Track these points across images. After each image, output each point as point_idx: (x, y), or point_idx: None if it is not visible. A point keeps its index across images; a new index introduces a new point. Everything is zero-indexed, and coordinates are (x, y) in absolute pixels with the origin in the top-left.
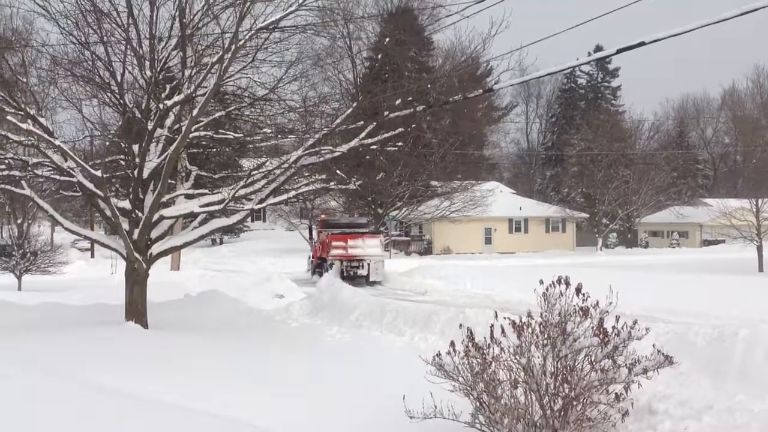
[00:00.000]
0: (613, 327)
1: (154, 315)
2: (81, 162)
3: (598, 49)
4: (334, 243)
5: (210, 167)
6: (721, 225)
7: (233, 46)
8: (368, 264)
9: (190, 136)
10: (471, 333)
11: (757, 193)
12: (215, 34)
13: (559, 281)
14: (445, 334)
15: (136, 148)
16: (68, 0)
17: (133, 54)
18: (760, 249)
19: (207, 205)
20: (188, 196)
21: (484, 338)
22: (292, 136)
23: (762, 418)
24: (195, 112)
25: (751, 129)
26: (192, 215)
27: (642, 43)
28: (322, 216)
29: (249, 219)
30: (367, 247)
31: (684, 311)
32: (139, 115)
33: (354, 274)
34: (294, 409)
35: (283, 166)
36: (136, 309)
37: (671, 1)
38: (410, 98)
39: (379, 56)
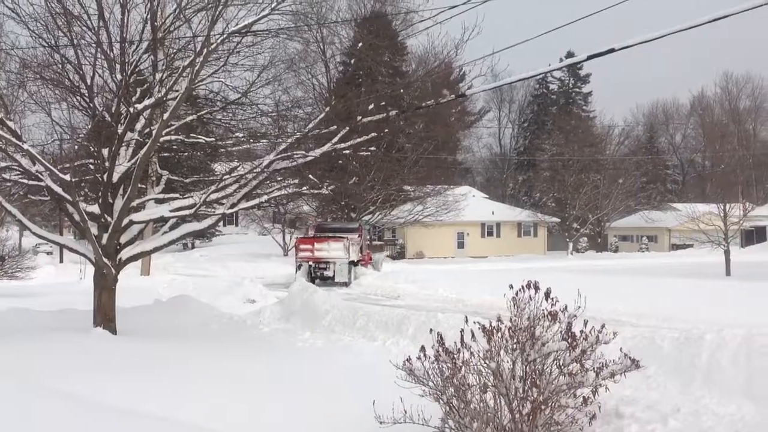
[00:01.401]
0: (581, 331)
1: (123, 321)
2: (49, 166)
3: (570, 55)
4: (302, 246)
5: (181, 171)
6: (689, 229)
7: (205, 50)
8: (334, 266)
9: (161, 140)
10: (441, 338)
11: (724, 198)
12: (187, 38)
13: (528, 286)
14: (416, 338)
15: (105, 152)
16: (38, 3)
17: (103, 57)
18: (727, 253)
19: (178, 209)
20: (159, 201)
21: (455, 343)
22: (264, 140)
23: (727, 422)
24: (166, 115)
25: (719, 135)
26: (162, 220)
27: (612, 50)
28: (318, 220)
29: (221, 223)
30: (332, 249)
31: (652, 315)
32: (109, 119)
33: (321, 275)
34: (263, 415)
35: (255, 171)
36: (104, 315)
37: (642, 8)
38: (383, 103)
39: (353, 61)
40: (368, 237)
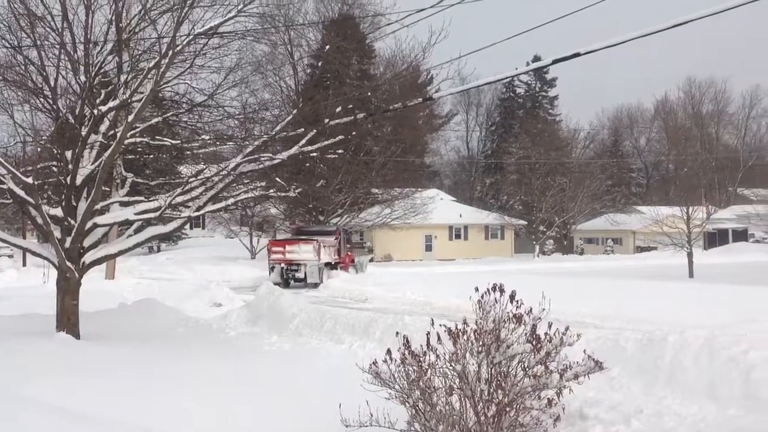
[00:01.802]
0: (546, 333)
1: (87, 325)
2: (11, 168)
3: (537, 59)
4: (274, 248)
5: (147, 174)
6: (653, 232)
7: (170, 52)
8: (305, 267)
9: (126, 142)
10: (407, 340)
11: (687, 201)
12: (152, 39)
13: (493, 289)
14: (383, 341)
15: (69, 154)
16: (0, 3)
17: (67, 59)
18: (690, 255)
19: (143, 212)
20: (123, 204)
21: (421, 345)
22: (231, 142)
23: (689, 422)
24: (131, 117)
25: (682, 139)
26: (127, 223)
27: (577, 54)
28: (298, 223)
29: (187, 226)
30: (303, 252)
31: (617, 317)
32: (73, 121)
33: (293, 276)
34: (230, 419)
35: (221, 173)
36: (67, 319)
37: (608, 12)
38: (351, 106)
39: (320, 63)
40: (348, 240)
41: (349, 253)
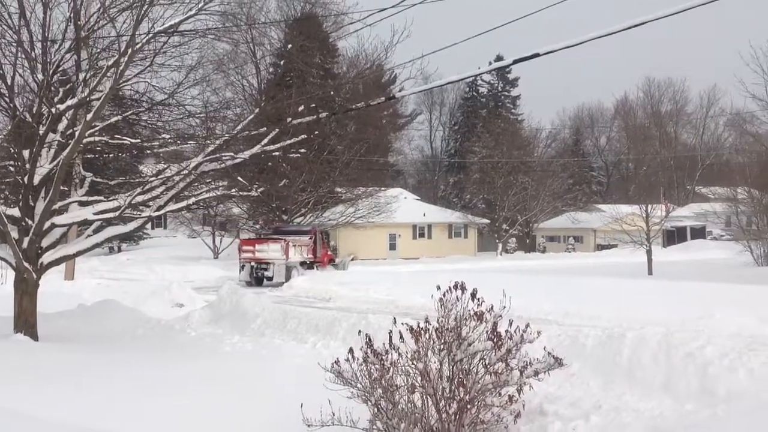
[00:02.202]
0: (507, 331)
1: (45, 326)
2: None
3: (499, 58)
4: (244, 247)
5: (107, 173)
6: (613, 230)
7: (130, 50)
8: (273, 266)
9: (85, 141)
10: (369, 339)
11: (647, 200)
12: (111, 37)
13: (455, 287)
14: (347, 340)
15: (26, 153)
16: None
17: (24, 57)
18: (649, 253)
19: (102, 212)
20: (82, 203)
21: (383, 344)
22: (192, 141)
23: (646, 417)
24: (89, 116)
25: (641, 138)
26: (86, 223)
27: (537, 55)
28: (277, 223)
29: (148, 226)
30: (271, 251)
31: (578, 314)
32: (30, 120)
33: (262, 275)
34: (190, 420)
35: (183, 173)
36: (25, 320)
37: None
38: (314, 105)
39: (282, 62)
40: (325, 240)
41: (328, 253)
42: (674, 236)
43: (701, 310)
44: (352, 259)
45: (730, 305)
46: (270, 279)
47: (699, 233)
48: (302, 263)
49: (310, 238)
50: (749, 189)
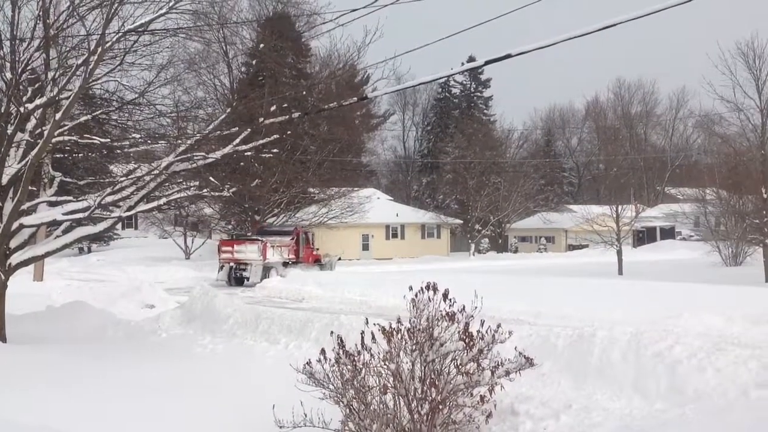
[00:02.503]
0: (478, 331)
1: (13, 328)
2: None
3: (471, 59)
4: (223, 248)
5: (76, 173)
6: (584, 230)
7: (99, 49)
8: (250, 267)
9: (54, 140)
10: (341, 340)
11: (617, 200)
12: (81, 36)
13: (427, 287)
14: (319, 341)
15: None
16: None
17: None
18: (620, 253)
19: (71, 212)
20: (51, 204)
21: (356, 345)
22: (163, 141)
23: (616, 416)
24: (59, 115)
25: (612, 139)
26: (56, 223)
27: (509, 55)
28: (263, 223)
29: (119, 227)
30: (248, 252)
31: (549, 314)
32: None
33: (240, 276)
34: (161, 424)
35: (153, 173)
36: None
37: (539, 14)
38: (286, 104)
39: (255, 62)
40: (310, 240)
41: (314, 253)
42: (644, 236)
43: (670, 309)
44: (339, 259)
45: (698, 305)
46: (249, 279)
47: (668, 234)
48: (285, 263)
49: (292, 239)
50: (717, 190)
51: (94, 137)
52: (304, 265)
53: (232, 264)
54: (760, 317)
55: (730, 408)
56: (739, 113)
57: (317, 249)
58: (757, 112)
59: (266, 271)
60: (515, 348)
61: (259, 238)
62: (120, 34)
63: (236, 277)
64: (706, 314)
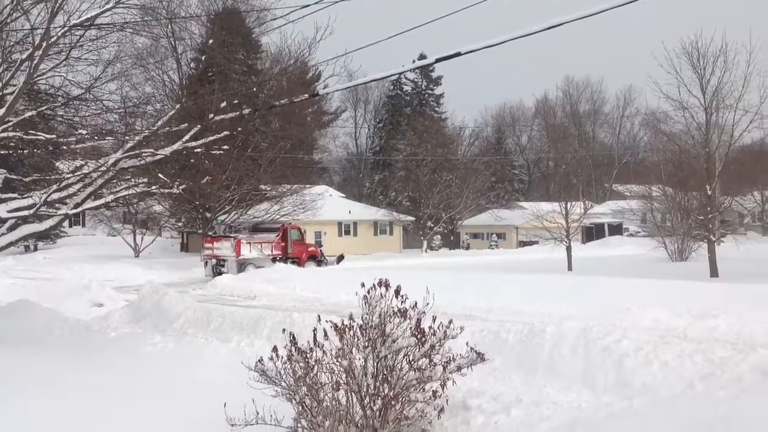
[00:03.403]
0: (430, 327)
1: None
2: None
3: (422, 57)
4: (206, 245)
5: (22, 170)
6: (534, 227)
7: (44, 43)
8: (227, 263)
9: None
10: (293, 337)
11: (566, 197)
12: (25, 30)
13: (379, 284)
14: (272, 338)
15: None
16: None
17: None
18: (569, 249)
19: (16, 210)
20: None
21: (308, 342)
22: (110, 137)
23: (565, 409)
24: (2, 111)
25: (561, 136)
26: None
27: (458, 54)
28: (257, 220)
29: (66, 224)
30: (224, 248)
31: (500, 309)
32: None
33: (220, 272)
34: (108, 425)
35: (101, 170)
36: None
37: (490, 11)
38: (237, 101)
39: (204, 58)
40: (301, 236)
41: (309, 249)
42: (593, 233)
43: (618, 304)
44: (342, 257)
45: (645, 300)
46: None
47: (616, 230)
48: (274, 259)
49: (277, 235)
50: (663, 187)
51: (39, 133)
52: (297, 262)
53: (213, 260)
54: (705, 312)
55: (676, 400)
56: (684, 111)
57: (320, 246)
58: (701, 111)
59: (241, 266)
60: (467, 343)
61: (233, 235)
62: (65, 28)
63: (218, 273)
64: (653, 309)
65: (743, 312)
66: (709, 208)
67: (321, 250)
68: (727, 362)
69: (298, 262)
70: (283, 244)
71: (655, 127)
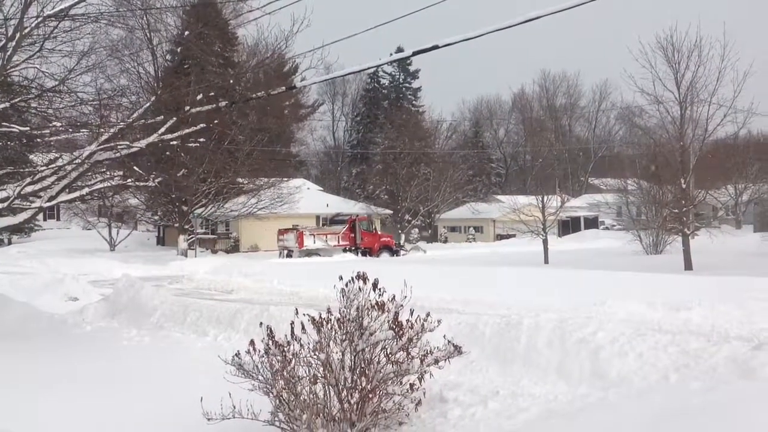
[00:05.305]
0: (408, 320)
1: None
2: None
3: (399, 50)
4: (279, 237)
5: None
6: (511, 220)
7: (18, 34)
8: (294, 253)
9: None
10: (271, 331)
11: (542, 191)
12: None
13: (357, 277)
14: (249, 332)
15: None
16: None
17: None
18: (545, 242)
19: None
20: None
21: (285, 335)
22: (85, 130)
23: (542, 401)
24: None
25: (537, 130)
26: None
27: (436, 47)
28: (341, 214)
29: (41, 217)
30: (289, 240)
31: (478, 302)
32: None
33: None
34: (84, 419)
35: (75, 162)
36: None
37: (468, 5)
38: (213, 93)
39: (180, 49)
40: (371, 227)
41: (383, 239)
42: (569, 226)
43: (594, 297)
44: (425, 252)
45: (621, 292)
46: None
47: (592, 223)
48: (343, 249)
49: (345, 227)
50: (638, 180)
51: (12, 125)
52: (369, 252)
53: (285, 251)
54: (680, 304)
55: (650, 391)
56: (659, 106)
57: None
58: (675, 105)
59: (306, 257)
60: (444, 336)
61: (297, 227)
62: (39, 19)
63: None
64: (629, 301)
65: (717, 304)
66: (683, 202)
67: (395, 241)
68: (702, 354)
69: (369, 252)
70: (352, 235)
71: (630, 120)
